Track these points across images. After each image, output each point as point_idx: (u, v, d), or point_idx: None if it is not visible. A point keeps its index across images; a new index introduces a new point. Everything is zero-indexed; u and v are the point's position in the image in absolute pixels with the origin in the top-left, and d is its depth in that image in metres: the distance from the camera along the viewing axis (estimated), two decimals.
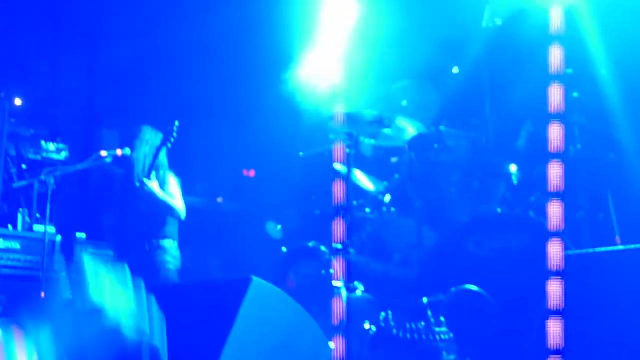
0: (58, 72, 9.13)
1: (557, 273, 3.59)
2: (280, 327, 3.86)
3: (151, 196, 6.53)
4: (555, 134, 4.56)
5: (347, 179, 5.88)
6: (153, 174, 6.57)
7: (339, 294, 5.33)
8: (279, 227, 5.48)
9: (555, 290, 3.43)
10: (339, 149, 6.13)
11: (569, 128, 5.29)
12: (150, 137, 6.86)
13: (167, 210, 6.61)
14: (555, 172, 4.30)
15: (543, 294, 3.23)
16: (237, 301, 3.69)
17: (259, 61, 8.41)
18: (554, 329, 3.21)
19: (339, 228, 5.46)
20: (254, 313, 3.71)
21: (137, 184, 6.56)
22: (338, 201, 5.63)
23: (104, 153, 6.70)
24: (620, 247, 3.89)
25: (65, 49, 9.18)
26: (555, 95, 4.74)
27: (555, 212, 4.19)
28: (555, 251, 3.79)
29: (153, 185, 6.54)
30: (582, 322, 3.05)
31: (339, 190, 5.68)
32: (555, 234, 4.03)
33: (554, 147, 4.43)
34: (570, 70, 5.41)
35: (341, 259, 5.54)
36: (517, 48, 6.26)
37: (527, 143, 5.72)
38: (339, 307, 5.02)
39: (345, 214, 5.63)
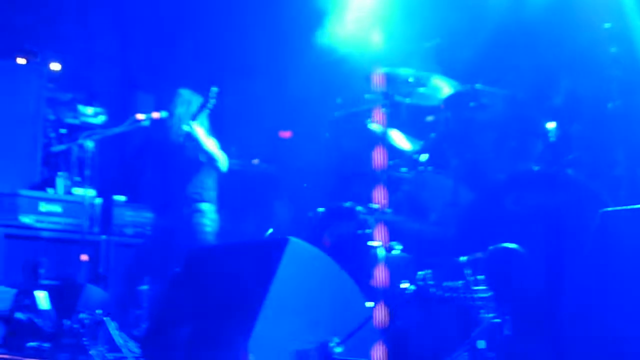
0: (94, 36, 9.16)
1: None
2: (318, 286, 3.88)
3: (196, 140, 6.55)
4: None
5: (384, 139, 5.87)
6: (197, 121, 6.58)
7: (376, 254, 5.34)
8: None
9: None
10: (375, 108, 6.11)
11: (607, 83, 5.22)
12: (186, 100, 6.89)
13: (209, 158, 6.64)
14: None
15: (580, 251, 3.21)
16: (275, 261, 3.72)
17: (294, 21, 8.37)
18: None
19: (380, 193, 5.46)
20: (292, 272, 3.74)
21: (186, 128, 6.57)
22: (378, 166, 5.62)
23: (140, 116, 6.74)
24: None
25: (101, 13, 9.20)
26: None
27: None
28: None
29: (198, 130, 6.55)
30: (617, 279, 3.03)
31: (379, 156, 5.67)
32: None
33: None
34: (608, 25, 5.33)
35: (377, 219, 5.55)
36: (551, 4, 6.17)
37: (565, 100, 5.65)
38: (376, 267, 5.03)
39: (381, 175, 5.63)
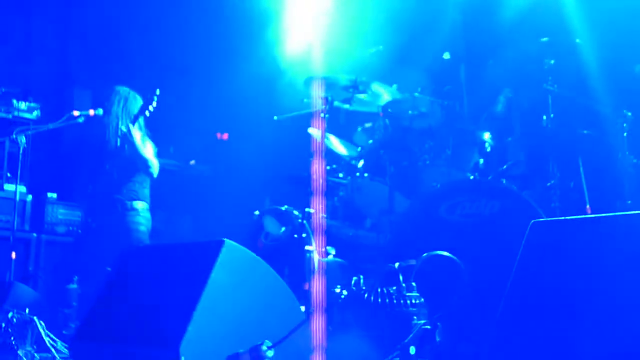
0: (31, 29, 9.00)
1: None
2: (253, 289, 3.86)
3: (132, 144, 6.47)
4: None
5: (322, 144, 5.88)
6: (137, 124, 6.51)
7: (311, 258, 5.35)
8: (283, 228, 5.51)
9: None
10: (314, 113, 6.13)
11: (543, 96, 5.32)
12: (123, 97, 6.81)
13: (141, 163, 6.57)
14: None
15: (513, 260, 3.26)
16: (209, 263, 3.68)
17: (235, 23, 8.36)
18: None
19: (318, 204, 5.47)
20: (226, 275, 3.71)
21: (124, 129, 6.50)
22: (315, 171, 5.64)
23: (76, 113, 6.64)
24: (590, 216, 3.94)
25: (40, 5, 9.05)
26: None
27: None
28: None
29: (136, 134, 6.48)
30: (547, 288, 3.08)
31: (316, 160, 5.68)
32: None
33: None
34: (545, 39, 5.44)
35: (314, 224, 5.56)
36: (495, 17, 6.28)
37: (504, 108, 5.74)
38: (311, 271, 5.05)
39: (317, 179, 5.64)
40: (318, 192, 5.50)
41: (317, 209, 5.49)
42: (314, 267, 5.07)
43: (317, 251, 5.28)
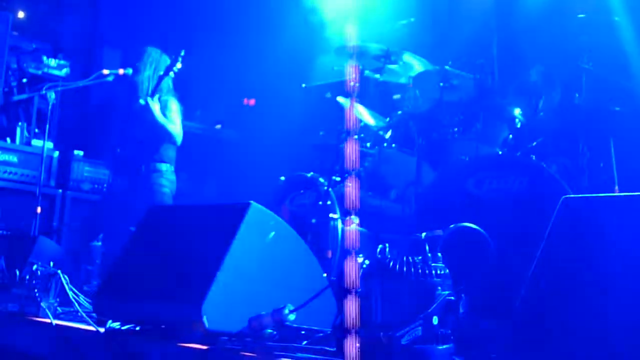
0: None
1: None
2: (277, 253, 3.87)
3: (152, 117, 6.51)
4: None
5: (349, 112, 5.85)
6: (156, 96, 6.54)
7: (335, 226, 5.35)
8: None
9: None
10: (343, 82, 6.10)
11: (577, 74, 5.26)
12: (155, 59, 6.82)
13: (164, 134, 6.60)
14: None
15: (540, 236, 3.23)
16: (235, 224, 3.68)
17: None
18: None
19: (352, 185, 5.45)
20: (252, 238, 3.72)
21: (142, 102, 6.52)
22: (350, 157, 5.60)
23: (106, 71, 6.65)
24: (622, 194, 3.90)
25: None
26: None
27: None
28: None
29: (155, 106, 6.51)
30: (576, 265, 3.06)
31: (351, 147, 5.65)
32: None
33: None
34: (582, 15, 5.36)
35: (339, 192, 5.55)
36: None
37: (537, 79, 5.67)
38: (334, 239, 5.05)
39: (344, 148, 5.62)
40: (349, 160, 5.48)
41: (343, 177, 5.47)
42: (337, 235, 5.06)
43: (341, 219, 5.27)
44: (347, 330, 3.23)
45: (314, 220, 5.68)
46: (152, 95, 6.51)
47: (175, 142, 6.69)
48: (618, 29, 5.48)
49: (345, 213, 5.39)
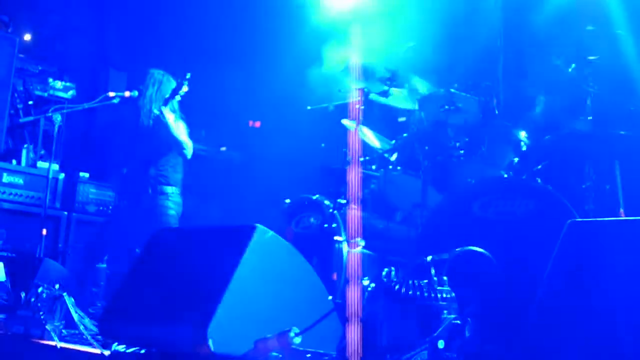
0: (69, 9, 9.06)
1: None
2: (282, 276, 3.86)
3: (165, 127, 6.50)
4: None
5: (355, 135, 5.87)
6: (169, 105, 6.53)
7: (340, 249, 5.35)
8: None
9: None
10: (349, 104, 6.11)
11: (582, 97, 5.26)
12: (157, 80, 6.85)
13: (175, 144, 6.60)
14: None
15: (546, 259, 3.23)
16: (241, 247, 3.69)
17: (272, 11, 8.35)
18: None
19: (354, 180, 5.47)
20: (257, 260, 3.71)
21: (156, 112, 6.53)
22: (354, 155, 5.63)
23: (111, 94, 6.68)
24: (628, 218, 3.90)
25: None
26: None
27: None
28: None
29: (168, 115, 6.51)
30: (582, 288, 3.06)
31: (350, 152, 5.67)
32: None
33: None
34: (590, 27, 5.37)
35: (345, 215, 5.56)
36: (535, 14, 6.22)
37: (543, 110, 5.69)
38: (339, 261, 5.05)
39: (350, 171, 5.63)
40: (350, 183, 5.50)
41: (349, 200, 5.48)
42: (343, 258, 5.06)
43: (346, 242, 5.27)
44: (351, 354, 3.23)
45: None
46: (166, 104, 6.51)
47: (186, 154, 6.70)
48: (622, 50, 5.49)
49: (350, 236, 5.40)
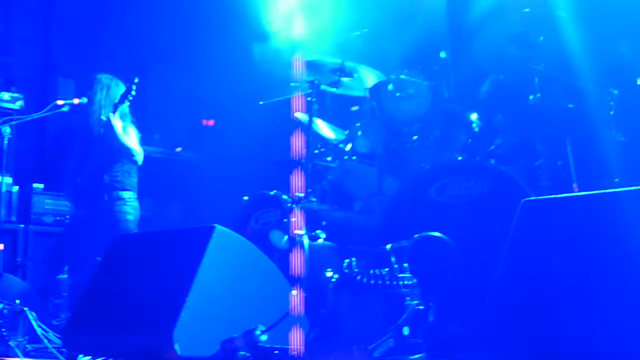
0: (11, 18, 8.93)
1: None
2: (245, 274, 3.87)
3: (112, 133, 6.44)
4: None
5: (308, 127, 5.87)
6: (117, 113, 6.48)
7: (301, 242, 5.35)
8: (286, 237, 5.44)
9: None
10: (300, 97, 6.11)
11: (529, 75, 5.32)
12: (105, 85, 6.78)
13: (125, 152, 6.55)
14: None
15: (503, 239, 3.27)
16: (200, 249, 3.68)
17: (218, 8, 8.32)
18: None
19: (298, 179, 5.47)
20: (218, 260, 3.71)
21: (104, 118, 6.48)
22: (297, 152, 5.64)
23: (60, 102, 6.61)
24: (579, 194, 3.96)
25: None
26: None
27: None
28: None
29: (116, 122, 6.45)
30: (538, 267, 3.10)
31: (298, 141, 5.67)
32: None
33: None
34: (527, 9, 5.44)
35: (302, 208, 5.56)
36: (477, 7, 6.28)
37: (490, 89, 5.74)
38: (300, 256, 5.05)
39: (305, 163, 5.63)
40: (306, 176, 5.51)
41: (306, 192, 5.49)
42: (303, 252, 5.07)
43: (306, 235, 5.28)
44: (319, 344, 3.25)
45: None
46: (114, 111, 6.46)
47: (137, 161, 6.64)
48: (565, 27, 5.56)
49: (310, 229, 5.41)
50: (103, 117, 6.52)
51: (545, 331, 2.90)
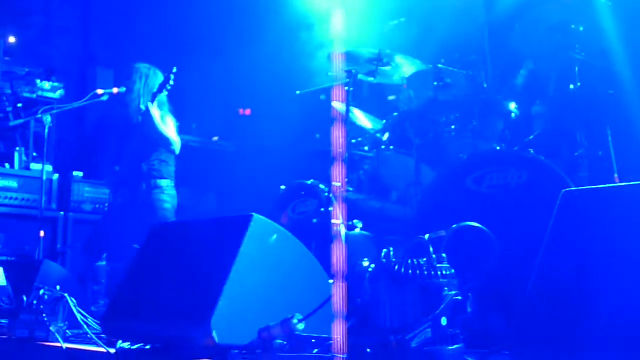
0: (52, 10, 9.03)
1: None
2: (282, 263, 3.87)
3: (151, 123, 6.49)
4: None
5: (346, 117, 5.87)
6: (156, 102, 6.52)
7: (338, 232, 5.35)
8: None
9: None
10: (338, 87, 6.11)
11: (570, 65, 5.27)
12: (143, 74, 6.83)
13: (163, 141, 6.59)
14: None
15: (542, 230, 3.24)
16: (238, 238, 3.69)
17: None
18: None
19: (339, 171, 5.46)
20: (256, 249, 3.72)
21: (143, 108, 6.53)
22: (337, 144, 5.63)
23: (100, 91, 6.67)
24: (621, 184, 3.91)
25: None
26: None
27: None
28: None
29: (155, 112, 6.50)
30: (579, 258, 3.07)
31: (338, 133, 5.67)
32: None
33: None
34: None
35: (340, 197, 5.56)
36: None
37: (525, 81, 5.70)
38: (338, 245, 5.04)
39: (342, 153, 5.63)
40: (342, 165, 5.50)
41: (343, 182, 5.48)
42: (341, 241, 5.07)
43: (344, 225, 5.28)
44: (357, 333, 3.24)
45: (315, 220, 5.68)
46: (153, 100, 6.50)
47: (174, 151, 6.69)
48: (602, 14, 5.49)
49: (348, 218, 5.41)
50: (142, 107, 6.57)
51: (584, 324, 2.87)
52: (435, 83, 5.73)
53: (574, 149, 5.13)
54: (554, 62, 5.49)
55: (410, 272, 3.38)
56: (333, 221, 5.48)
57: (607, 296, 2.91)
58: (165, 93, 6.54)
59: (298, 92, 7.60)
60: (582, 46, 5.28)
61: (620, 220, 3.08)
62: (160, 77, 6.74)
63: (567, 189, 3.32)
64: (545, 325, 2.97)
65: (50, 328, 4.32)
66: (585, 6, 5.47)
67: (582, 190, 3.37)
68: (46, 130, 6.57)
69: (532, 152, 5.03)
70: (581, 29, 5.27)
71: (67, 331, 4.48)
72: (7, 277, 5.25)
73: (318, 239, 5.45)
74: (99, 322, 4.26)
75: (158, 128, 6.52)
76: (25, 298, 4.55)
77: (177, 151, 6.72)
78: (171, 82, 6.49)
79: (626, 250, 2.98)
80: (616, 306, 2.85)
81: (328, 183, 5.82)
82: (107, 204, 7.67)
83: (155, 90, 6.57)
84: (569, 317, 2.92)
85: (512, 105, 5.52)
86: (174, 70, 6.46)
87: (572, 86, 5.25)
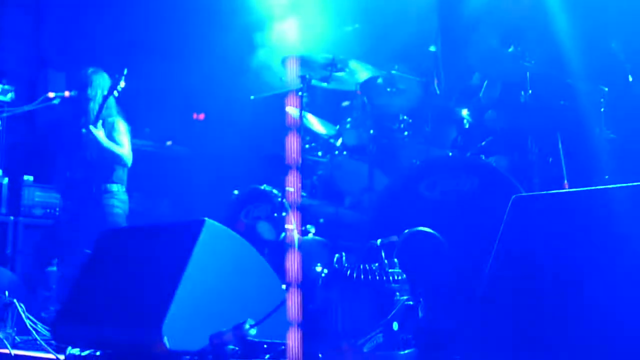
0: (2, 12, 8.90)
1: None
2: (234, 268, 3.86)
3: (97, 144, 6.43)
4: None
5: (300, 122, 5.87)
6: (99, 122, 6.46)
7: (291, 237, 5.36)
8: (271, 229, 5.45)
9: None
10: (291, 92, 6.11)
11: (521, 72, 5.33)
12: (98, 80, 6.76)
13: (113, 158, 6.53)
14: None
15: (493, 235, 3.27)
16: (190, 242, 3.67)
17: (209, 2, 8.30)
18: None
19: (292, 176, 5.46)
20: (208, 254, 3.70)
21: (84, 131, 6.46)
22: (291, 149, 5.63)
23: (51, 94, 6.58)
24: (570, 190, 3.96)
25: None
26: None
27: None
28: None
29: (99, 133, 6.44)
30: (529, 263, 3.10)
31: (292, 139, 5.67)
32: None
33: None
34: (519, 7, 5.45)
35: (293, 202, 5.56)
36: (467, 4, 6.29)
37: (480, 82, 5.75)
38: (291, 250, 5.05)
39: (296, 158, 5.63)
40: (295, 170, 5.50)
41: (297, 187, 5.49)
42: (294, 246, 5.07)
43: (296, 230, 5.28)
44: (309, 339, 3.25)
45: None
46: (95, 122, 6.43)
47: (126, 165, 6.63)
48: (555, 23, 5.57)
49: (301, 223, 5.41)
50: (83, 131, 6.47)
51: (534, 328, 2.91)
52: (389, 89, 5.76)
53: (525, 155, 5.19)
54: (506, 69, 5.55)
55: (362, 277, 3.39)
56: (286, 226, 5.48)
57: (556, 300, 2.95)
58: (115, 95, 6.48)
59: (252, 97, 7.58)
60: (533, 54, 5.35)
61: (569, 226, 3.12)
62: (107, 81, 6.68)
63: (517, 195, 3.36)
64: (495, 329, 3.00)
65: None
66: (537, 15, 5.54)
67: (532, 195, 3.41)
68: None
69: (483, 157, 5.09)
70: (532, 36, 5.34)
71: (16, 337, 4.42)
72: None
73: (270, 244, 5.44)
74: (48, 327, 4.21)
75: (105, 147, 6.44)
76: None
77: (129, 165, 6.65)
78: (122, 84, 6.43)
79: (575, 255, 3.02)
80: (565, 309, 2.88)
81: (281, 188, 5.82)
82: (58, 209, 7.58)
83: (105, 93, 6.51)
84: (519, 321, 2.95)
85: (465, 112, 5.57)
86: (125, 71, 6.40)
87: (523, 93, 5.31)
